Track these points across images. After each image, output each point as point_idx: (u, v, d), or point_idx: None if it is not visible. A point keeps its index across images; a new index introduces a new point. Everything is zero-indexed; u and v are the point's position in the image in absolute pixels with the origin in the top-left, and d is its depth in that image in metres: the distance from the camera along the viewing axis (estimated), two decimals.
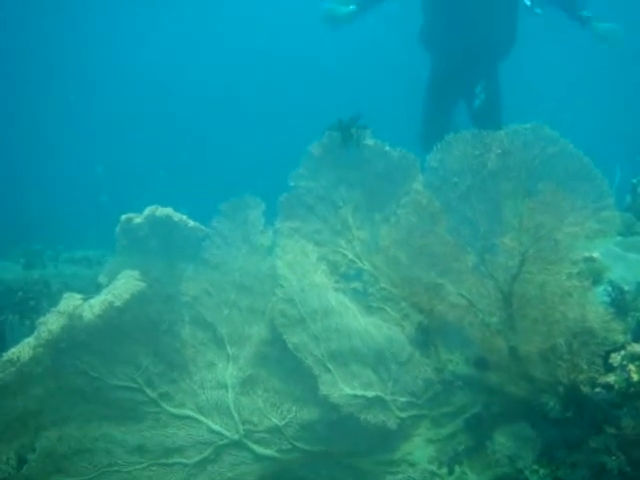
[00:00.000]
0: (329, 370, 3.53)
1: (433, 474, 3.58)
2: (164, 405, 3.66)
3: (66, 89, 27.61)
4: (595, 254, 3.54)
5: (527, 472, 3.28)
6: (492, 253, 3.37)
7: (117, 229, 3.65)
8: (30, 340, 3.18)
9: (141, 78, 28.58)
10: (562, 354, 3.19)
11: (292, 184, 3.93)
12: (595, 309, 3.16)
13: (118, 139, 27.58)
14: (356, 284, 3.86)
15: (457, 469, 3.55)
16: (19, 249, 8.20)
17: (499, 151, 3.32)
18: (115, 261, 3.71)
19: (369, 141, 3.77)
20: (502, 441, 3.42)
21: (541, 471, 3.25)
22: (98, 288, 3.49)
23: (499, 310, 3.39)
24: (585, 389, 3.10)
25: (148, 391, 3.62)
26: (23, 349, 3.12)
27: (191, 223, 3.72)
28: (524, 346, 3.33)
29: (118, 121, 28.22)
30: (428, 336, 3.70)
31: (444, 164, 3.41)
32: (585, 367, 3.11)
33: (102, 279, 3.63)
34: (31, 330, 5.46)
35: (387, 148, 3.75)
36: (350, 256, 3.87)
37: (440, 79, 6.15)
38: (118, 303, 3.24)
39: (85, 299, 3.29)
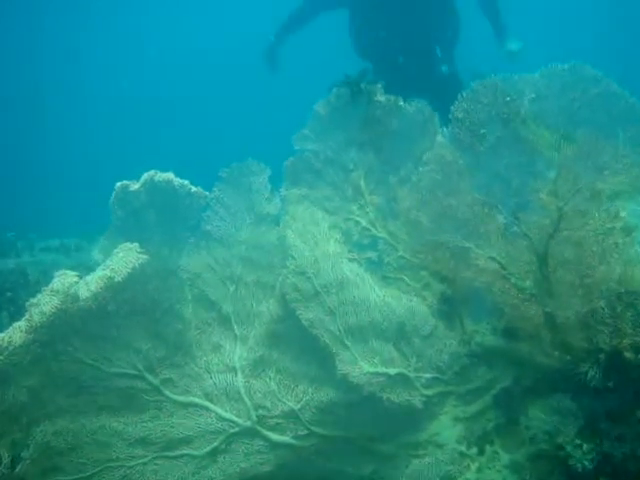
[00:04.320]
0: (347, 347, 3.26)
1: (463, 455, 3.33)
2: (167, 392, 3.35)
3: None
4: (622, 213, 3.29)
5: (569, 448, 3.03)
6: (525, 211, 3.10)
7: (112, 199, 3.32)
8: (21, 324, 2.84)
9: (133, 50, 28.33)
10: (604, 318, 2.95)
11: (297, 147, 3.64)
12: None
13: (104, 112, 27.25)
14: (371, 253, 3.59)
15: (488, 448, 3.32)
16: None
17: (533, 96, 3.05)
18: (110, 235, 3.38)
19: (381, 97, 3.47)
20: (539, 415, 3.17)
21: (585, 446, 3.00)
22: (93, 266, 3.16)
23: (533, 273, 3.13)
24: (629, 355, 2.88)
25: (149, 377, 3.31)
26: (14, 334, 2.79)
27: (194, 189, 3.41)
28: (561, 311, 3.08)
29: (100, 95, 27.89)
30: (452, 306, 3.44)
31: (470, 114, 3.13)
32: (630, 331, 2.88)
33: (97, 256, 3.30)
34: (10, 323, 5.16)
35: (401, 103, 3.45)
36: (363, 223, 3.59)
37: None
38: (118, 278, 2.92)
39: (80, 276, 2.95)
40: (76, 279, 2.92)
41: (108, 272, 2.90)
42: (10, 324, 5.12)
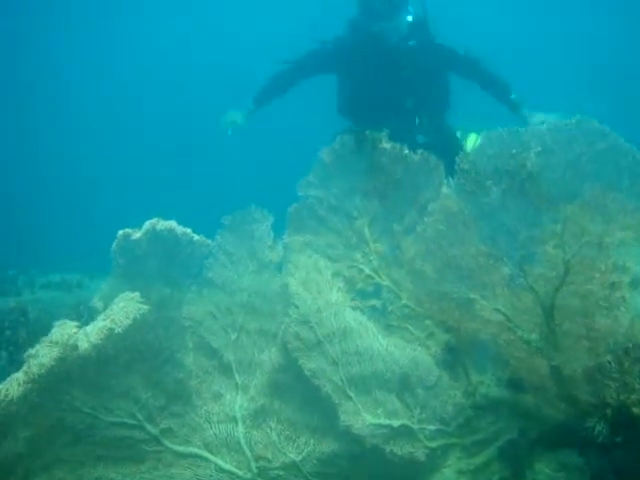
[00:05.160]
0: (350, 398, 3.21)
1: None
2: (167, 442, 3.29)
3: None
4: (629, 264, 3.25)
5: None
6: (531, 263, 3.06)
7: (113, 247, 3.28)
8: (19, 375, 2.78)
9: (134, 79, 28.05)
10: (611, 372, 2.89)
11: (301, 194, 3.63)
12: None
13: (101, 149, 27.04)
14: (374, 302, 3.56)
15: None
16: None
17: (539, 149, 3.02)
18: (111, 283, 3.34)
19: (385, 144, 3.46)
20: (545, 469, 3.10)
21: None
22: (92, 314, 3.13)
23: (539, 326, 3.09)
24: (637, 410, 2.80)
25: (148, 427, 3.25)
26: (11, 386, 2.73)
27: (196, 237, 3.38)
28: (568, 364, 3.03)
29: (99, 130, 27.64)
30: (456, 356, 3.40)
31: (476, 166, 3.11)
32: (638, 386, 2.82)
33: (97, 303, 3.26)
34: (9, 363, 5.10)
35: (406, 151, 3.44)
36: (367, 271, 3.56)
37: None
38: (119, 330, 2.87)
39: (80, 326, 2.91)
40: (75, 330, 2.87)
41: (108, 323, 2.86)
42: (9, 363, 5.11)
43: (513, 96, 5.25)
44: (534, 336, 3.10)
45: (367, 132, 3.45)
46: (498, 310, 3.14)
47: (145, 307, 2.98)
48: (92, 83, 28.51)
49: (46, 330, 3.01)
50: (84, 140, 27.80)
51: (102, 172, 25.79)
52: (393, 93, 5.39)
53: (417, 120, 5.49)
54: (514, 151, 3.02)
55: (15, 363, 4.30)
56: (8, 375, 2.90)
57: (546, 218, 3.01)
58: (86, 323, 3.04)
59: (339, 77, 5.68)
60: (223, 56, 27.26)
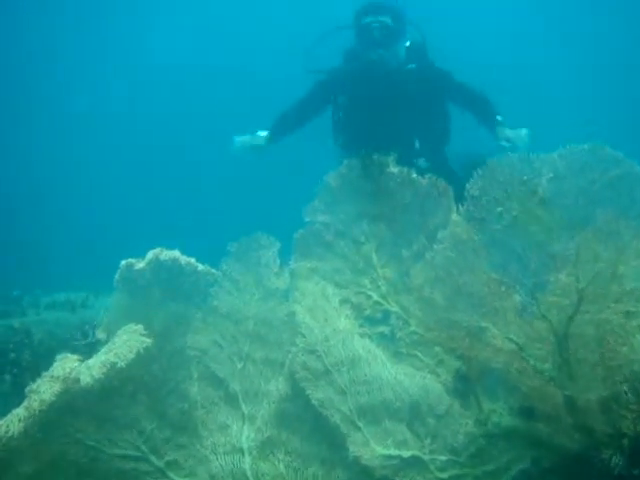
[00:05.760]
0: (359, 428, 3.15)
1: None
2: (172, 475, 3.22)
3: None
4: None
5: None
6: (544, 291, 2.99)
7: (116, 277, 3.25)
8: (19, 411, 2.73)
9: (137, 88, 27.90)
10: (627, 402, 2.81)
11: (307, 219, 3.57)
12: None
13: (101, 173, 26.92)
14: (383, 328, 3.50)
15: None
16: None
17: (551, 175, 2.96)
18: (114, 312, 3.30)
19: (393, 169, 3.40)
20: None
21: None
22: (96, 345, 3.07)
23: (553, 355, 3.01)
24: None
25: (153, 459, 3.19)
26: (12, 422, 2.67)
27: (200, 267, 3.34)
28: (582, 394, 2.95)
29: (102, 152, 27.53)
30: (467, 384, 3.32)
31: (487, 192, 3.05)
32: None
33: (100, 334, 3.21)
34: (12, 387, 5.04)
35: (414, 176, 3.38)
36: (375, 297, 3.50)
37: None
38: (122, 364, 2.82)
39: (82, 360, 2.85)
40: (77, 363, 2.82)
41: (111, 357, 2.80)
42: (12, 387, 5.04)
43: (499, 117, 5.15)
44: (547, 365, 3.02)
45: (374, 156, 3.39)
46: (510, 339, 3.07)
47: (148, 340, 2.93)
48: (96, 92, 28.46)
49: (50, 353, 2.96)
50: (88, 159, 27.71)
51: (105, 190, 25.72)
52: (393, 117, 5.31)
53: (417, 144, 5.37)
54: (525, 177, 2.97)
55: (18, 386, 4.23)
56: (12, 399, 2.85)
57: (558, 245, 2.95)
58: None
59: (335, 106, 5.56)
60: (226, 58, 27.15)
